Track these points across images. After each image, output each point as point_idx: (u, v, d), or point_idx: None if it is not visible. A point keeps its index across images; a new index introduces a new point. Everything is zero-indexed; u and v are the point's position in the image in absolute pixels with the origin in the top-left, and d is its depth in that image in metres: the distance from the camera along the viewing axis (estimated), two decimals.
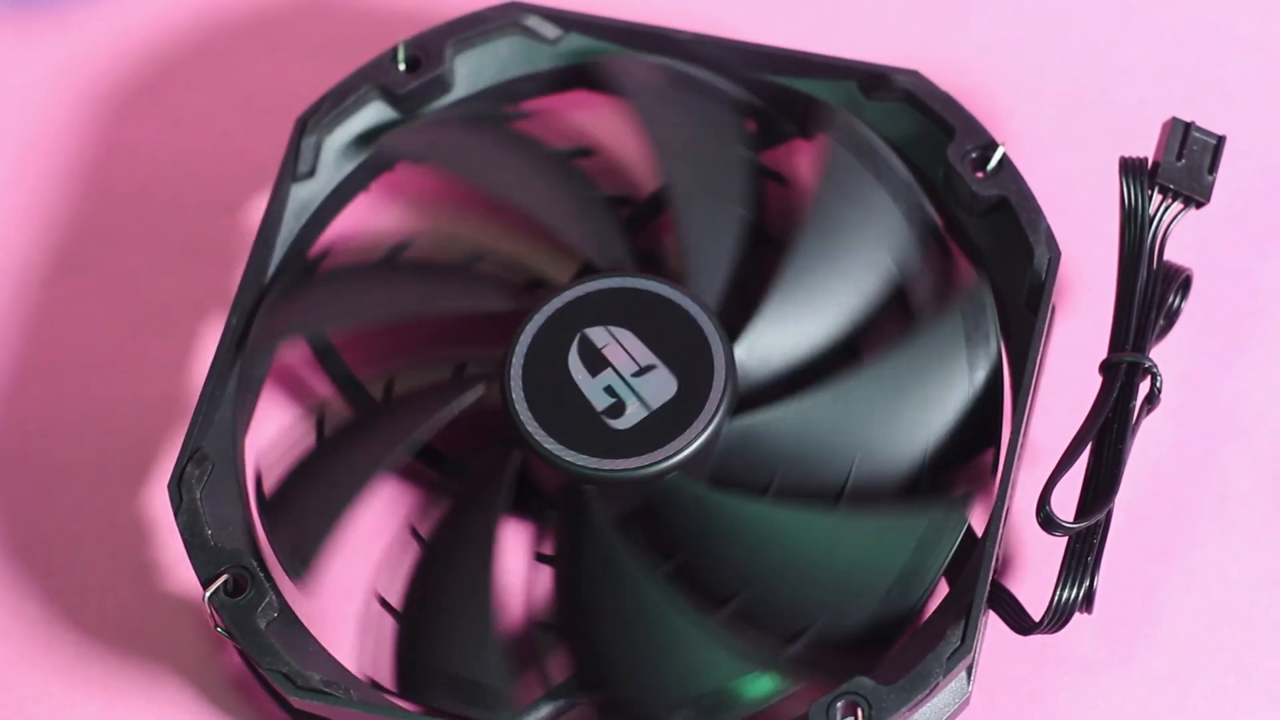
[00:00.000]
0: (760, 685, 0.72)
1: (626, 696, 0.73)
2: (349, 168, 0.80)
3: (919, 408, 0.75)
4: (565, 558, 0.75)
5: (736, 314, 0.77)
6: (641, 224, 0.80)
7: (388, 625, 0.75)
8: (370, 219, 0.82)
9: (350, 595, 0.77)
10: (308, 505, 0.74)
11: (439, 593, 0.74)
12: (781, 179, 0.81)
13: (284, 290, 0.78)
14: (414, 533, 0.76)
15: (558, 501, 0.76)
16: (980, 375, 0.76)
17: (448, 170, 0.80)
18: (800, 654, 0.73)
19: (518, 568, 0.76)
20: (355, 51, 0.82)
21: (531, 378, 0.75)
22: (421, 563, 0.75)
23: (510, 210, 0.79)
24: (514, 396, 0.75)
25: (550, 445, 0.74)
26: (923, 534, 0.73)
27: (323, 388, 0.80)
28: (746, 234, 0.78)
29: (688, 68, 0.80)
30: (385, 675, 0.75)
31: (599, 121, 0.82)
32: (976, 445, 0.76)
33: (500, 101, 0.82)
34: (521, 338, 0.76)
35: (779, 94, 0.81)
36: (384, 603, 0.75)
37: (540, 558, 0.76)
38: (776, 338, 0.76)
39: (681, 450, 0.74)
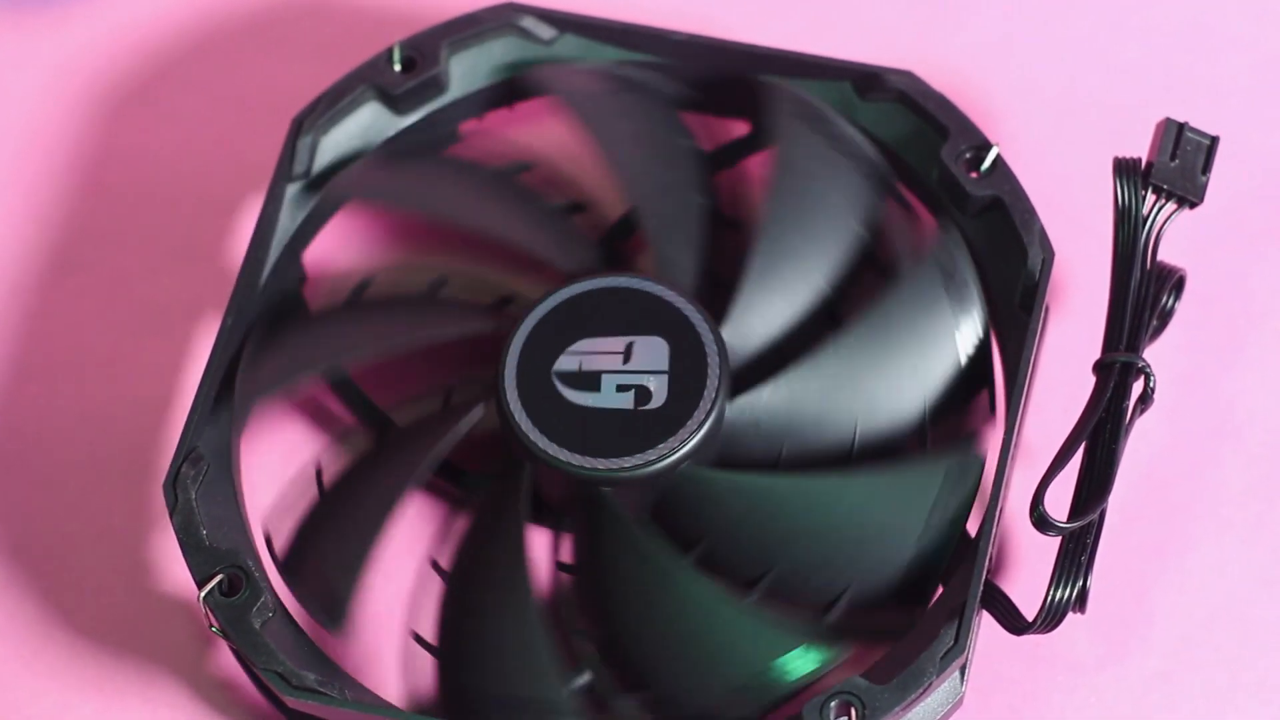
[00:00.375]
0: (807, 659, 0.72)
1: (677, 691, 0.73)
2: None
3: (909, 358, 0.76)
4: (591, 563, 0.75)
5: (713, 298, 0.77)
6: (621, 229, 0.80)
7: (420, 659, 0.75)
8: (328, 260, 0.82)
9: (371, 627, 0.76)
10: (328, 558, 0.74)
11: (480, 620, 0.73)
12: (726, 162, 0.81)
13: (256, 344, 0.77)
14: (435, 565, 0.76)
15: (574, 509, 0.75)
16: (965, 321, 0.76)
17: (395, 206, 0.80)
18: (841, 621, 0.74)
19: (538, 579, 0.75)
20: (351, 52, 0.82)
21: (527, 392, 0.75)
22: (452, 592, 0.75)
23: (465, 233, 0.79)
24: (514, 413, 0.75)
25: (560, 455, 0.74)
26: (941, 478, 0.74)
27: (321, 391, 0.80)
28: (708, 220, 0.78)
29: (621, 69, 0.80)
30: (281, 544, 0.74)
31: (540, 132, 0.82)
32: (971, 386, 0.77)
33: (495, 103, 0.82)
34: (509, 354, 0.76)
35: (726, 88, 0.80)
36: (419, 639, 0.75)
37: (562, 566, 0.76)
38: (759, 314, 0.77)
39: (689, 439, 0.74)
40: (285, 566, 0.75)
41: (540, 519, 0.76)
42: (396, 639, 0.76)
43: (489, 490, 0.77)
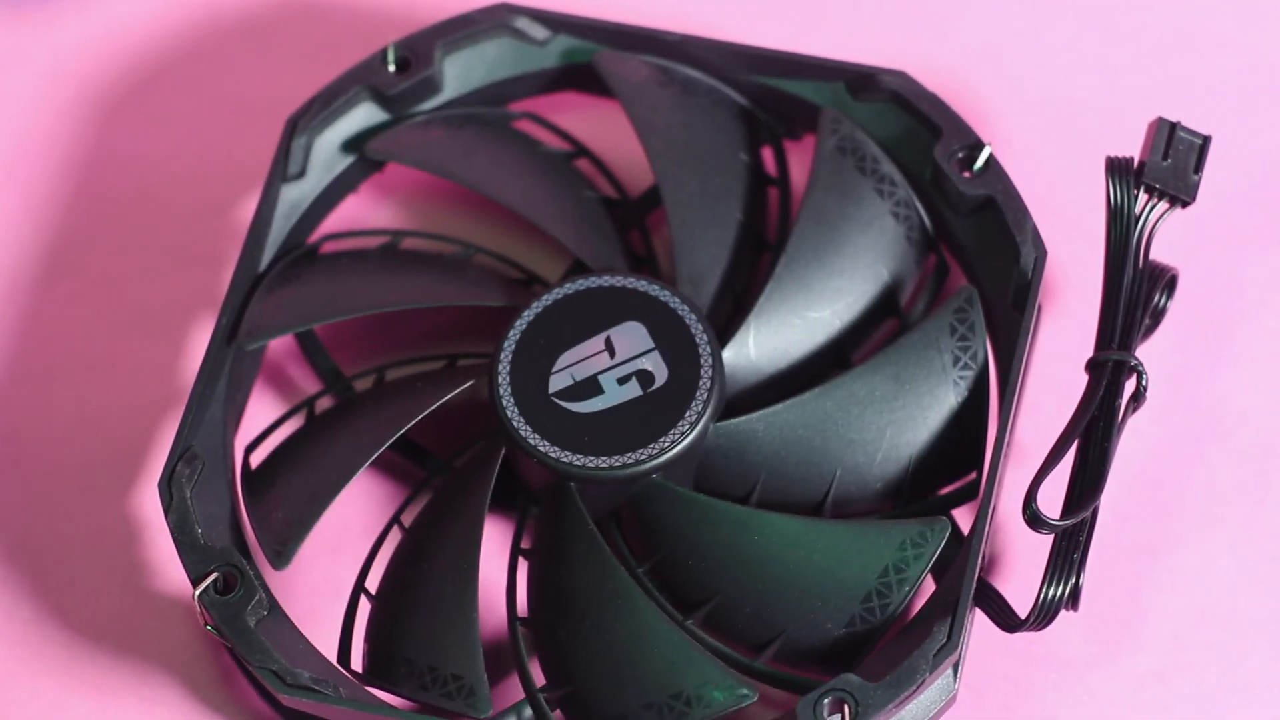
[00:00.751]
0: (723, 692, 0.72)
1: (590, 692, 0.73)
2: (339, 169, 0.81)
3: (902, 419, 0.75)
4: (545, 552, 0.75)
5: (727, 318, 0.77)
6: (634, 219, 0.81)
7: (365, 613, 0.75)
8: (363, 215, 0.82)
9: (334, 588, 0.77)
10: (292, 493, 0.75)
11: (420, 583, 0.74)
12: (781, 184, 0.81)
13: (278, 279, 0.78)
14: (399, 524, 0.76)
15: (542, 497, 0.76)
16: (967, 391, 0.76)
17: (438, 172, 0.80)
18: (767, 665, 0.74)
19: (500, 564, 0.76)
20: (344, 53, 0.82)
21: (520, 374, 0.75)
22: (403, 551, 0.75)
23: (503, 208, 0.79)
24: (502, 391, 0.75)
25: (535, 441, 0.75)
26: (898, 545, 0.74)
27: (313, 388, 0.80)
28: (740, 238, 0.78)
29: (688, 69, 0.81)
30: (357, 660, 0.75)
31: (590, 123, 0.82)
32: (960, 464, 0.76)
33: (490, 103, 0.82)
34: (511, 334, 0.76)
35: (762, 94, 0.81)
36: (364, 590, 0.75)
37: (520, 552, 0.76)
38: (764, 343, 0.77)
39: (664, 452, 0.75)
40: (250, 488, 0.75)
41: (507, 506, 0.76)
42: (344, 592, 0.76)
43: (463, 462, 0.76)
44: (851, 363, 0.77)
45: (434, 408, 0.75)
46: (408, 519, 0.77)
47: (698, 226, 0.78)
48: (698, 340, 0.76)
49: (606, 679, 0.72)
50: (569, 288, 0.77)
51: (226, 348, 0.77)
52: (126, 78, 0.86)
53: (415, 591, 0.74)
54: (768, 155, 0.82)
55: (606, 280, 0.77)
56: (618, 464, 0.74)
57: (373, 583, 0.76)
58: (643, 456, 0.75)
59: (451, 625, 0.73)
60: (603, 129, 0.82)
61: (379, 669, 0.74)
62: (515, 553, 0.76)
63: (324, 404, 0.79)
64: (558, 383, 0.76)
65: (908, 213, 0.78)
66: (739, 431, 0.75)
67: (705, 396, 0.75)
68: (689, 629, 0.74)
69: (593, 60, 0.80)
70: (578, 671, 0.73)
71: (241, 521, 0.76)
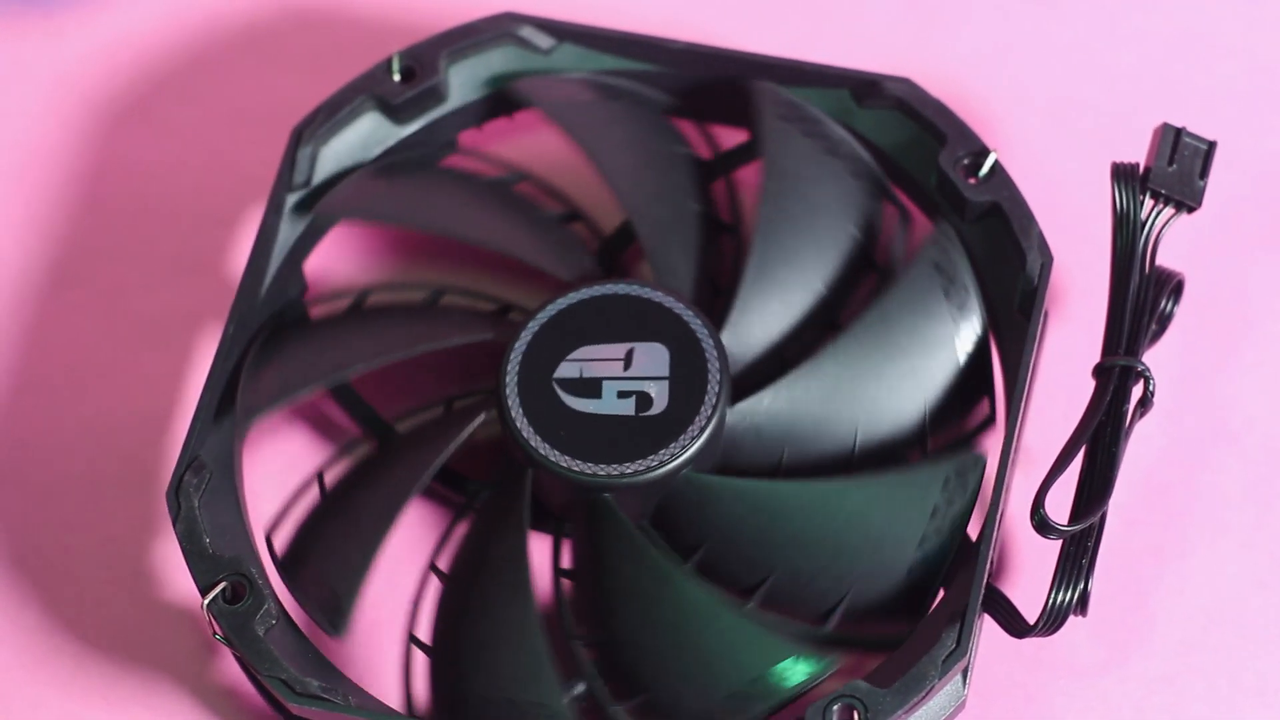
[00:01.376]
0: (802, 667, 0.72)
1: (667, 696, 0.73)
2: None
3: (909, 361, 0.76)
4: (591, 568, 0.75)
5: (711, 305, 0.78)
6: (613, 256, 0.81)
7: (420, 665, 0.75)
8: (327, 268, 0.82)
9: (372, 632, 0.76)
10: (330, 561, 0.74)
11: (478, 623, 0.73)
12: (720, 167, 0.81)
13: (261, 354, 0.77)
14: (434, 569, 0.76)
15: (575, 514, 0.76)
16: (964, 324, 0.76)
17: (391, 221, 0.79)
18: (837, 629, 0.74)
19: (540, 584, 0.75)
20: (350, 63, 0.82)
21: (528, 398, 0.75)
22: (451, 595, 0.75)
23: (462, 244, 0.79)
24: (516, 420, 0.75)
25: (561, 461, 0.74)
26: (941, 484, 0.74)
27: (322, 404, 0.80)
28: (704, 226, 0.78)
29: (610, 78, 0.81)
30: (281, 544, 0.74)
31: (531, 143, 0.82)
32: (971, 388, 0.77)
33: (492, 112, 0.82)
34: (510, 362, 0.76)
35: (718, 93, 0.80)
36: (416, 641, 0.75)
37: (563, 572, 0.76)
38: (758, 319, 0.77)
39: (690, 445, 0.74)
40: (285, 569, 0.75)
41: (541, 525, 0.77)
42: (397, 644, 0.76)
43: (491, 496, 0.77)
44: (841, 322, 0.77)
45: (453, 448, 0.75)
46: (442, 560, 0.76)
47: (662, 222, 0.78)
48: (695, 330, 0.76)
49: (681, 679, 0.72)
50: (556, 305, 0.76)
51: (235, 354, 0.77)
52: (131, 88, 0.86)
53: (474, 631, 0.73)
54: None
55: (591, 291, 0.76)
56: (647, 468, 0.74)
57: (418, 628, 0.75)
58: (669, 455, 0.74)
59: (521, 656, 0.72)
60: (542, 147, 0.81)
61: (453, 714, 0.73)
62: (557, 573, 0.76)
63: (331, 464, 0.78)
64: (567, 399, 0.75)
65: (860, 168, 0.79)
66: (754, 410, 0.75)
67: (717, 384, 0.75)
68: (750, 614, 0.74)
69: (512, 88, 0.80)
70: (649, 678, 0.73)
71: (249, 530, 0.76)
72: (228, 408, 0.77)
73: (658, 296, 0.77)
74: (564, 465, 0.74)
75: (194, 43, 0.87)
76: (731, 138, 0.82)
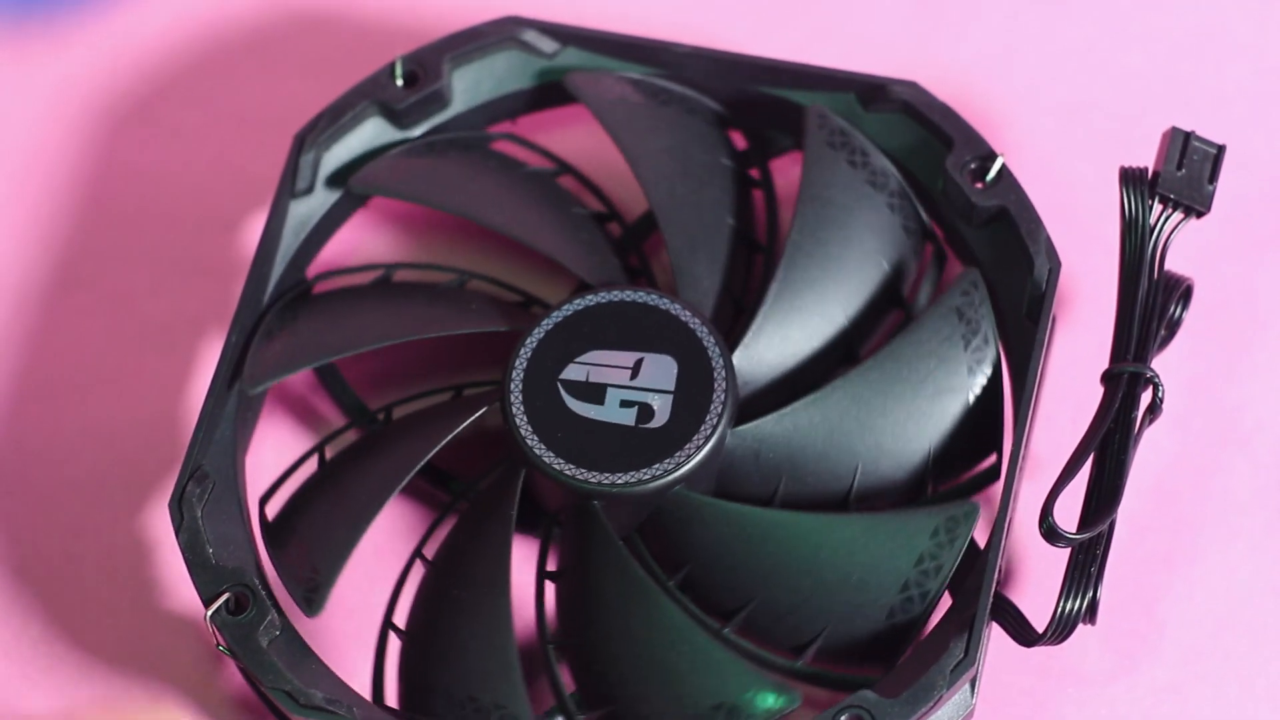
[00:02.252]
0: (768, 700, 0.72)
1: (631, 711, 0.72)
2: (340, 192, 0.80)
3: (919, 405, 0.75)
4: (573, 573, 0.74)
5: (730, 322, 0.77)
6: (634, 243, 0.80)
7: (395, 648, 0.75)
8: (356, 243, 0.82)
9: (352, 616, 0.76)
10: (316, 538, 0.74)
11: (452, 614, 0.73)
12: (764, 186, 0.80)
13: (276, 321, 0.77)
14: (420, 556, 0.76)
15: (565, 518, 0.75)
16: (979, 374, 0.76)
17: (425, 202, 0.79)
18: (810, 666, 0.73)
19: (524, 584, 0.76)
20: (352, 67, 0.82)
21: (532, 396, 0.75)
22: (430, 584, 0.75)
23: (494, 232, 0.78)
24: (516, 416, 0.75)
25: (554, 463, 0.74)
26: (930, 533, 0.73)
27: (325, 407, 0.80)
28: (734, 242, 0.78)
29: (664, 82, 0.80)
30: (391, 696, 0.74)
31: (582, 137, 0.82)
32: (979, 447, 0.76)
33: (495, 116, 0.82)
34: (519, 357, 0.75)
35: (772, 105, 0.80)
36: (393, 626, 0.75)
37: (548, 574, 0.76)
38: (773, 343, 0.76)
39: (685, 462, 0.74)
40: (271, 533, 0.74)
41: (531, 528, 0.76)
42: (375, 629, 0.75)
43: (483, 490, 0.76)
44: (860, 356, 0.77)
45: (449, 439, 0.74)
46: (429, 549, 0.76)
47: (692, 234, 0.78)
48: (706, 347, 0.75)
49: (646, 695, 0.72)
50: (571, 306, 0.76)
51: (234, 375, 0.76)
52: (133, 93, 0.86)
53: (448, 623, 0.73)
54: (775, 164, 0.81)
55: (608, 296, 0.76)
56: (639, 480, 0.74)
57: (399, 616, 0.75)
58: (663, 470, 0.74)
59: (489, 654, 0.72)
60: (595, 144, 0.81)
61: (416, 704, 0.73)
62: (542, 575, 0.75)
63: (334, 441, 0.78)
64: (570, 402, 0.75)
65: (902, 202, 0.78)
66: (756, 434, 0.75)
67: (720, 405, 0.74)
68: (726, 637, 0.73)
69: (564, 81, 0.80)
70: (616, 690, 0.73)
71: (253, 541, 0.76)
72: (231, 416, 0.76)
73: (675, 309, 0.76)
74: (557, 468, 0.74)
75: (197, 47, 0.87)
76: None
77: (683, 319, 0.76)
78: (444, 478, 0.78)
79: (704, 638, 0.72)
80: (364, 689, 0.74)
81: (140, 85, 0.86)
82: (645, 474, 0.74)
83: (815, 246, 0.77)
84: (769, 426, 0.75)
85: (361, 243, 0.82)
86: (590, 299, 0.76)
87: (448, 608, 0.74)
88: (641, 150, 0.78)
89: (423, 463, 0.74)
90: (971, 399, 0.76)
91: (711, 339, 0.76)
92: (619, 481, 0.74)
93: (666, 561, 0.75)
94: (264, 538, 0.75)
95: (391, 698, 0.75)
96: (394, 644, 0.75)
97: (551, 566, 0.76)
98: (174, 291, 0.83)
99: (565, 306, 0.76)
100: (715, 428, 0.74)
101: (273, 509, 0.76)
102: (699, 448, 0.74)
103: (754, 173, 0.81)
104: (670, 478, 0.74)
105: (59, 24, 0.87)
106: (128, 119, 0.86)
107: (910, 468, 0.75)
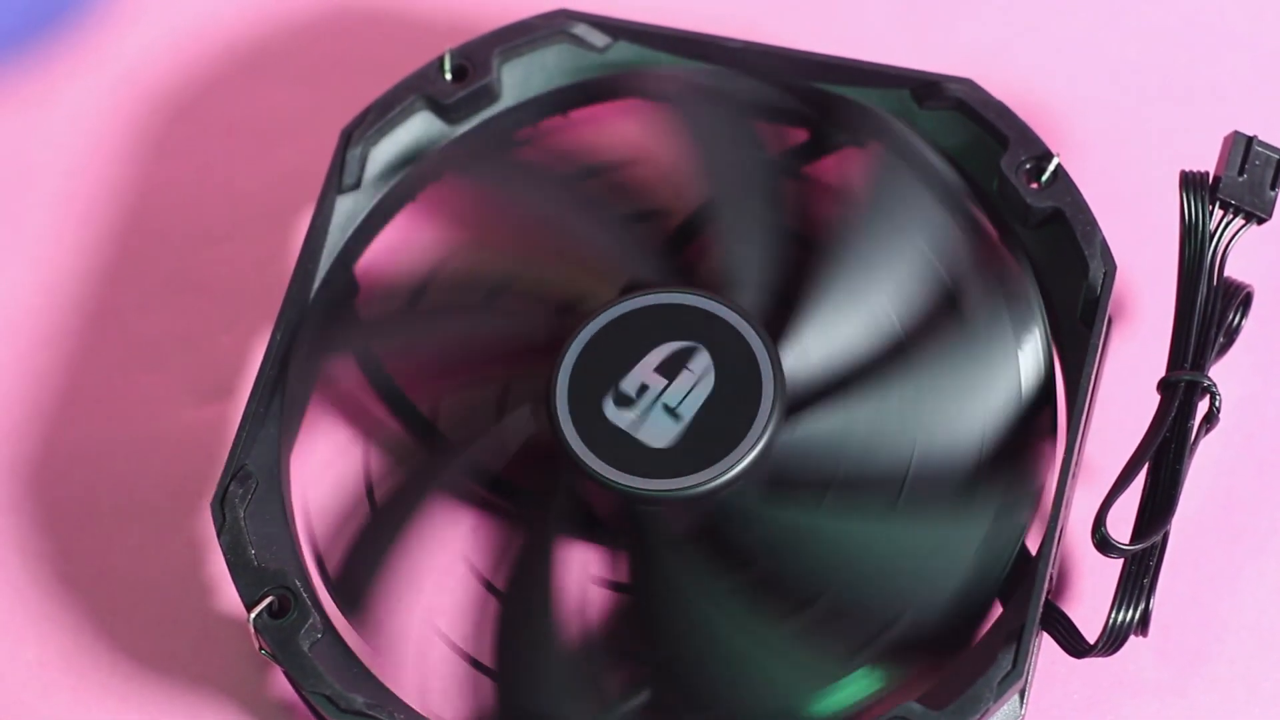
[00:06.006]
0: (860, 685, 0.72)
1: (731, 715, 0.72)
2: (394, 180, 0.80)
3: (970, 389, 0.75)
4: (643, 583, 0.74)
5: (781, 320, 0.76)
6: (687, 239, 0.80)
7: (448, 663, 0.74)
8: (406, 240, 0.81)
9: (407, 632, 0.76)
10: (360, 540, 0.74)
11: (518, 635, 0.73)
12: (818, 183, 0.79)
13: (319, 324, 0.77)
14: (489, 586, 0.75)
15: (622, 525, 0.75)
16: (1027, 351, 0.75)
17: (484, 189, 0.79)
18: (894, 645, 0.73)
19: (589, 598, 0.75)
20: (353, 72, 0.81)
21: (578, 401, 0.74)
22: (492, 605, 0.74)
23: (533, 234, 0.78)
24: (562, 423, 0.74)
25: (604, 470, 0.73)
26: (994, 509, 0.73)
27: (371, 404, 0.79)
28: (786, 240, 0.77)
29: (724, 76, 0.79)
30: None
31: (606, 137, 0.80)
32: (1031, 420, 0.75)
33: (545, 111, 0.81)
34: (564, 361, 0.75)
35: (829, 102, 0.80)
36: (475, 663, 0.74)
37: (612, 585, 0.75)
38: (820, 337, 0.76)
39: (741, 460, 0.73)
40: (338, 589, 0.74)
41: (594, 536, 0.75)
42: (437, 650, 0.75)
43: (539, 506, 0.76)
44: (910, 355, 0.76)
45: (493, 454, 0.74)
46: (477, 559, 0.76)
47: (743, 231, 0.77)
48: (752, 345, 0.75)
49: (733, 699, 0.71)
50: (617, 308, 0.75)
51: (279, 374, 0.76)
52: (124, 109, 0.85)
53: (515, 643, 0.73)
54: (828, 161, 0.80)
55: (655, 298, 0.75)
56: (693, 484, 0.73)
57: (448, 626, 0.75)
58: (717, 472, 0.73)
59: (557, 671, 0.72)
60: (642, 138, 0.80)
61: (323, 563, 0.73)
62: (608, 587, 0.75)
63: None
64: (619, 407, 0.74)
65: (958, 204, 0.77)
66: (807, 432, 0.74)
67: (770, 405, 0.74)
68: (802, 633, 0.73)
69: (631, 74, 0.79)
70: (701, 697, 0.72)
71: (296, 541, 0.75)
72: (275, 415, 0.76)
73: (718, 308, 0.75)
74: (612, 477, 0.73)
75: (189, 61, 0.85)
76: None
77: (730, 320, 0.75)
78: (510, 489, 0.77)
79: (782, 634, 0.72)
80: (407, 695, 0.74)
81: (128, 102, 0.85)
82: (704, 475, 0.73)
83: (861, 239, 0.76)
84: (821, 419, 0.74)
85: (410, 238, 0.81)
86: (634, 302, 0.75)
87: (513, 628, 0.73)
88: (696, 144, 0.77)
89: (465, 480, 0.74)
90: (1023, 381, 0.75)
91: (758, 336, 0.75)
92: (677, 486, 0.73)
93: (735, 559, 0.74)
94: (330, 592, 0.74)
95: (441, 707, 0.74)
96: (440, 654, 0.75)
97: (610, 574, 0.75)
98: (215, 297, 0.81)
99: (607, 311, 0.75)
100: (767, 424, 0.74)
101: (322, 521, 0.76)
102: (753, 445, 0.73)
103: (806, 169, 0.80)
104: (728, 476, 0.73)
105: (49, 45, 0.86)
106: (122, 135, 0.84)
107: (965, 449, 0.74)
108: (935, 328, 0.76)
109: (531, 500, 0.76)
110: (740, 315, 0.75)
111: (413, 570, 0.74)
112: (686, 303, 0.76)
